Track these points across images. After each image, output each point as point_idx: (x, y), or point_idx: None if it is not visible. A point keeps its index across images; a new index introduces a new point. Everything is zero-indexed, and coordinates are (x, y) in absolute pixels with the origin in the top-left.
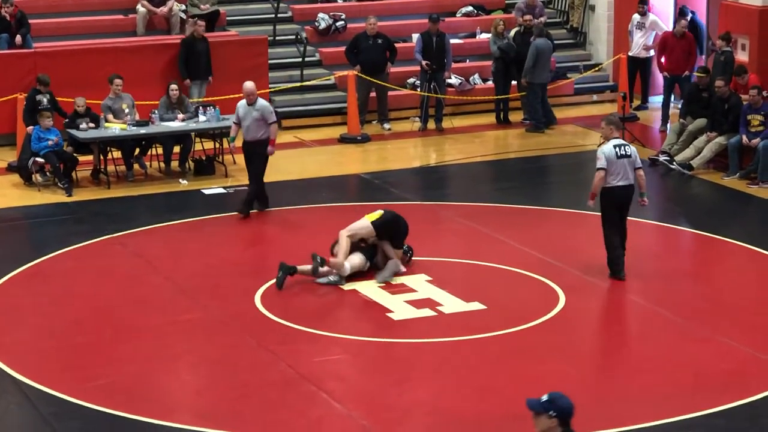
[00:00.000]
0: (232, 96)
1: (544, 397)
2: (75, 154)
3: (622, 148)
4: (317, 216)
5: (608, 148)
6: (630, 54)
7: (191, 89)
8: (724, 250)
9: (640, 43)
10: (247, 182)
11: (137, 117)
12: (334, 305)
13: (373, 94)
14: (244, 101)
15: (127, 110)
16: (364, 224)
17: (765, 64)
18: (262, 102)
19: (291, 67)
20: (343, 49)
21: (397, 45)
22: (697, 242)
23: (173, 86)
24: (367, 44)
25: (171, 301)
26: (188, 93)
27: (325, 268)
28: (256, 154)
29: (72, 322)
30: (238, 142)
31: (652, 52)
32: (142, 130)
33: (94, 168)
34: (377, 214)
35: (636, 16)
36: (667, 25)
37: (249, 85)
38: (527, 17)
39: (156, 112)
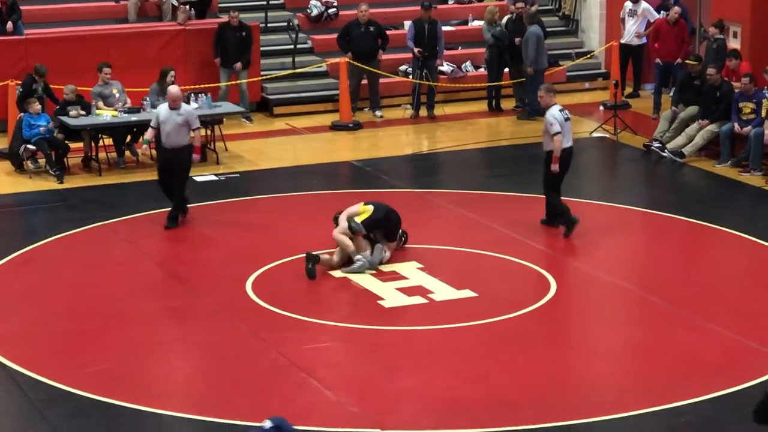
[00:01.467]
0: (223, 84)
1: (267, 424)
2: (66, 141)
3: (565, 111)
4: (309, 203)
5: (556, 112)
6: (622, 41)
7: (221, 74)
8: (715, 238)
9: (632, 30)
10: (237, 170)
11: (129, 104)
12: (325, 293)
13: (364, 81)
14: (165, 105)
15: (117, 94)
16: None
17: (757, 52)
18: (186, 107)
19: (283, 54)
20: (335, 36)
21: (389, 32)
22: (689, 230)
23: (172, 73)
24: (359, 32)
25: (162, 288)
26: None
27: (356, 257)
28: (179, 162)
29: (63, 309)
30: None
31: (644, 40)
32: (133, 118)
33: (85, 155)
34: (367, 211)
35: (628, 4)
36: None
37: (175, 89)
38: (520, 5)
39: (147, 99)
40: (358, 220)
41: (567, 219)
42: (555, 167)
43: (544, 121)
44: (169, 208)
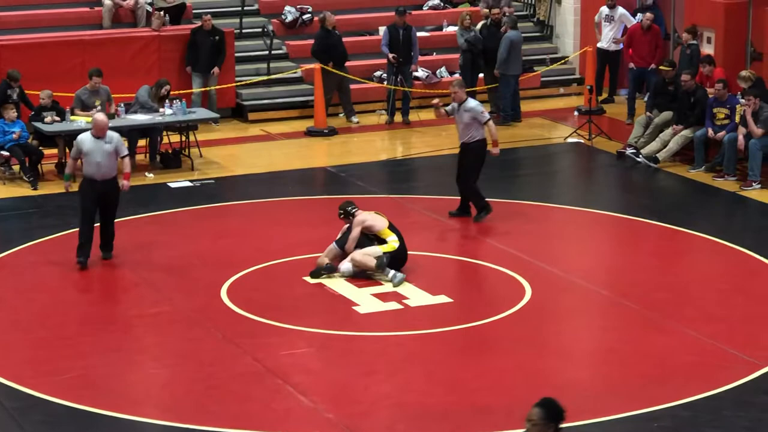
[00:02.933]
0: (198, 90)
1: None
2: (40, 148)
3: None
4: (284, 209)
5: (477, 102)
6: (599, 47)
7: (193, 80)
8: (689, 243)
9: (609, 36)
10: (212, 176)
11: (110, 110)
12: (301, 299)
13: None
14: (88, 134)
15: (99, 107)
16: (380, 223)
17: (730, 58)
18: (112, 134)
19: (257, 60)
20: (310, 42)
21: (362, 38)
22: (663, 235)
23: (167, 87)
24: (332, 39)
25: (137, 295)
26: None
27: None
28: (111, 194)
29: (37, 315)
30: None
31: (621, 46)
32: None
33: (59, 161)
34: (392, 244)
35: (604, 9)
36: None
37: (101, 117)
38: (495, 10)
39: (122, 105)
40: (383, 250)
41: (485, 205)
42: (497, 150)
43: (469, 112)
44: (146, 214)
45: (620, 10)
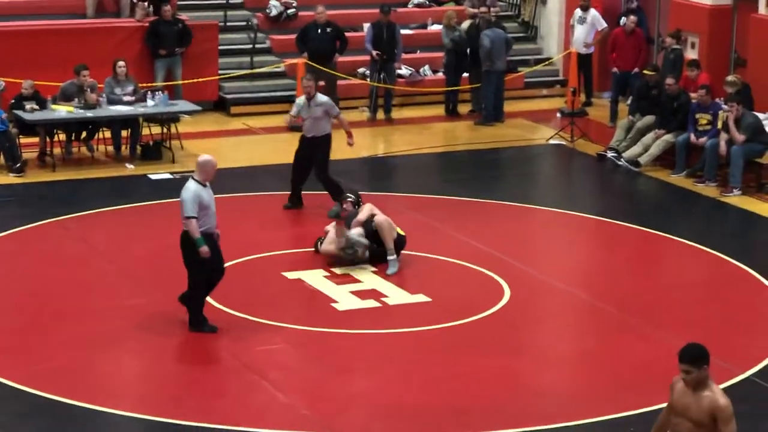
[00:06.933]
0: (182, 82)
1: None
2: (20, 136)
3: None
4: (264, 204)
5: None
6: (571, 49)
7: (156, 69)
8: (669, 248)
9: (580, 39)
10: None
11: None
12: (279, 294)
13: (321, 83)
14: (195, 185)
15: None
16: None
17: (714, 63)
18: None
19: (241, 54)
20: (294, 36)
21: (348, 34)
22: (643, 239)
23: (120, 63)
24: (316, 33)
25: (114, 287)
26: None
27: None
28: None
29: (13, 305)
30: None
31: (591, 50)
32: (89, 114)
33: (40, 151)
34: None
35: (578, 11)
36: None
37: (209, 159)
38: (483, 9)
39: (103, 95)
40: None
41: (341, 194)
42: (353, 141)
43: (321, 106)
44: (126, 205)
45: (592, 12)
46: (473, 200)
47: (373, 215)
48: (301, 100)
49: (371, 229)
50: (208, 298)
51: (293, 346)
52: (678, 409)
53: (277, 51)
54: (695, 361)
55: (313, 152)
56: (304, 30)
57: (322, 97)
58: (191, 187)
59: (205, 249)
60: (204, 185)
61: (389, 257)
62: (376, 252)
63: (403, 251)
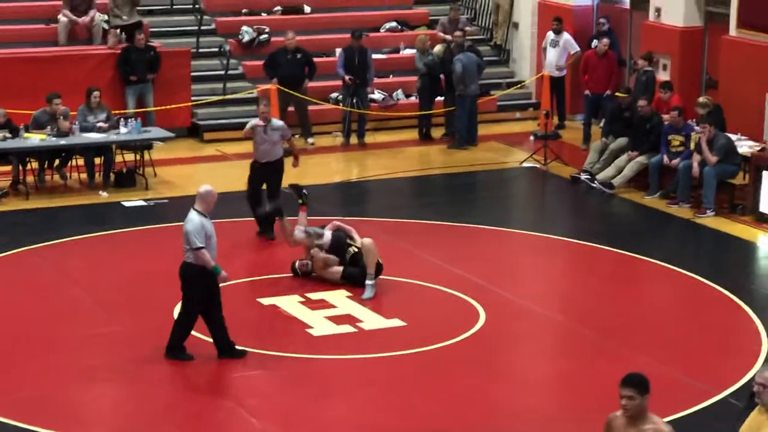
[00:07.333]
0: (154, 108)
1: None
2: None
3: None
4: (237, 230)
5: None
6: (544, 72)
7: (127, 96)
8: (643, 269)
9: (553, 62)
10: (166, 195)
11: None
12: (253, 320)
13: (291, 108)
14: (199, 218)
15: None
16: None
17: (686, 85)
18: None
19: (214, 80)
20: None
21: (319, 60)
22: (617, 261)
23: (95, 93)
24: (286, 59)
25: (89, 314)
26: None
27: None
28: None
29: None
30: None
31: (564, 72)
32: (62, 141)
33: (13, 179)
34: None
35: (550, 34)
36: (582, 42)
37: (209, 189)
38: (457, 34)
39: (76, 123)
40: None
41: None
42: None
43: (278, 130)
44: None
45: (565, 35)
46: (448, 224)
47: (339, 227)
48: (255, 121)
49: (341, 241)
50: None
51: (269, 372)
52: None
53: (249, 76)
54: (639, 385)
55: (270, 177)
56: (272, 56)
57: (277, 122)
58: (194, 218)
59: (224, 275)
60: (206, 216)
61: (368, 281)
62: (350, 275)
63: (378, 276)
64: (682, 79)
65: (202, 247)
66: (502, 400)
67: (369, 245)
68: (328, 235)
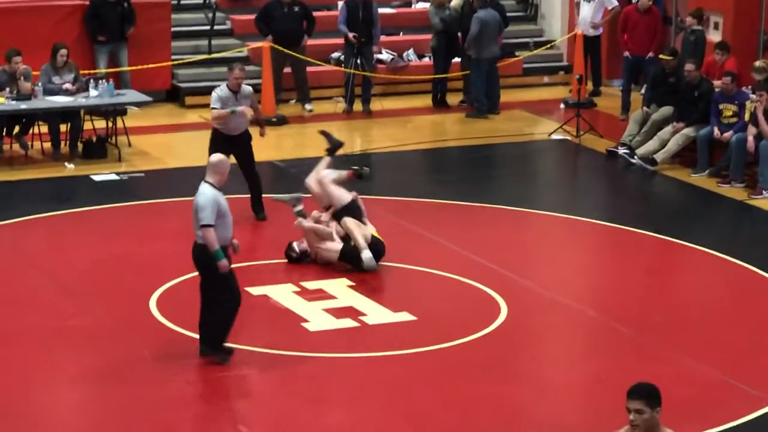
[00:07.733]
0: (129, 68)
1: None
2: None
3: None
4: None
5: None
6: (577, 31)
7: (98, 56)
8: (689, 258)
9: (587, 19)
10: (142, 169)
11: (24, 88)
12: (241, 313)
13: (287, 69)
14: (212, 191)
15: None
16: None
17: (740, 47)
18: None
19: (197, 36)
20: None
21: (318, 14)
22: (659, 248)
23: (62, 51)
24: (282, 12)
25: (54, 304)
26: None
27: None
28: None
29: None
30: None
31: (600, 30)
32: (23, 105)
33: None
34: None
35: None
36: None
37: (221, 158)
38: None
39: (39, 84)
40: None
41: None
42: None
43: (248, 98)
44: (66, 211)
45: None
46: (464, 204)
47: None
48: (222, 92)
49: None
50: (160, 317)
51: (258, 372)
52: None
53: (238, 33)
54: (650, 398)
55: (239, 151)
56: (266, 8)
57: (246, 88)
58: (207, 191)
59: (224, 263)
60: (219, 189)
61: (363, 255)
62: (348, 253)
63: (382, 262)
64: (736, 39)
65: (210, 225)
66: (526, 407)
67: (344, 221)
68: (348, 196)
